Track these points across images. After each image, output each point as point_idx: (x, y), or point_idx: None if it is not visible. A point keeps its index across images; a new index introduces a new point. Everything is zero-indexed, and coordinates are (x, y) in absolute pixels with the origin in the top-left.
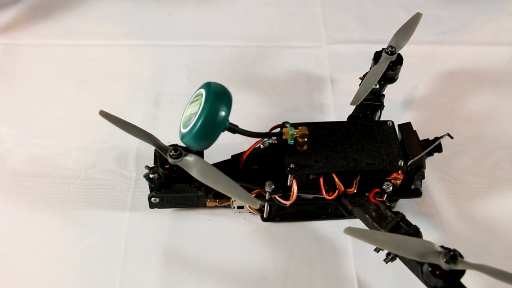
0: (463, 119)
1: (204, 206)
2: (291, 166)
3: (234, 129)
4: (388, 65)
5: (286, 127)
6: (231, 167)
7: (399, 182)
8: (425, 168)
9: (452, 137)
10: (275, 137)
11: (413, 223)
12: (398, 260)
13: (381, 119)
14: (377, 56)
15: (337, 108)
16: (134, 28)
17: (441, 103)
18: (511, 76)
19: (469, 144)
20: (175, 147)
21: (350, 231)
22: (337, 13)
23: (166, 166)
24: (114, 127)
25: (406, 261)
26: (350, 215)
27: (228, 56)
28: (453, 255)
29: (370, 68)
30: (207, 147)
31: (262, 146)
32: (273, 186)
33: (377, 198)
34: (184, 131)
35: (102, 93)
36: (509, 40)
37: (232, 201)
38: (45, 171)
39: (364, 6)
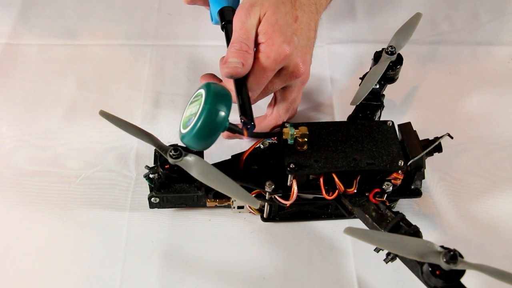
0: (463, 119)
1: (204, 206)
2: (291, 166)
3: (234, 129)
4: (388, 65)
5: (286, 127)
6: (231, 167)
7: (399, 182)
8: (425, 168)
9: (452, 137)
10: (275, 137)
11: (413, 223)
12: (398, 260)
13: (381, 119)
14: (377, 56)
15: (337, 108)
16: (134, 28)
17: (441, 103)
18: (511, 76)
19: (469, 144)
20: (175, 147)
21: (350, 231)
22: (337, 13)
23: (166, 166)
24: (114, 127)
25: (406, 261)
26: (350, 215)
27: None
28: (453, 255)
29: (370, 68)
30: (207, 147)
31: (262, 146)
32: (273, 186)
33: (377, 198)
34: (184, 131)
35: (102, 93)
36: (509, 40)
37: (232, 201)
38: (45, 171)
39: (364, 6)
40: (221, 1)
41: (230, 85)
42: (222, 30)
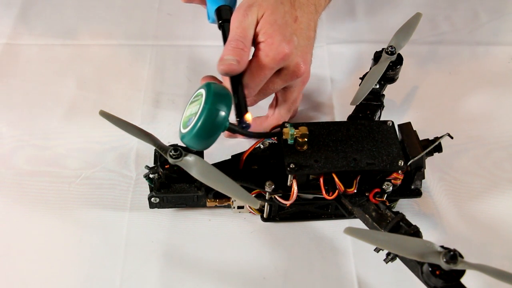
0: (463, 119)
1: (204, 206)
2: (291, 166)
3: (234, 129)
4: (388, 65)
5: (286, 127)
6: (231, 167)
7: (399, 182)
8: (425, 168)
9: (452, 137)
10: (275, 137)
11: (413, 223)
12: (398, 260)
13: (381, 119)
14: (377, 56)
15: (337, 108)
16: (134, 28)
17: (441, 103)
18: (511, 76)
19: (469, 144)
20: (175, 147)
21: (350, 231)
22: (337, 13)
23: (166, 166)
24: (114, 127)
25: (406, 261)
26: (350, 215)
27: None
28: (453, 255)
29: (370, 68)
30: (207, 147)
31: (262, 146)
32: (273, 186)
33: (377, 198)
34: (184, 131)
35: (102, 93)
36: (509, 40)
37: (232, 201)
38: (45, 171)
39: (364, 6)
40: (218, 0)
41: (229, 85)
42: (219, 28)
